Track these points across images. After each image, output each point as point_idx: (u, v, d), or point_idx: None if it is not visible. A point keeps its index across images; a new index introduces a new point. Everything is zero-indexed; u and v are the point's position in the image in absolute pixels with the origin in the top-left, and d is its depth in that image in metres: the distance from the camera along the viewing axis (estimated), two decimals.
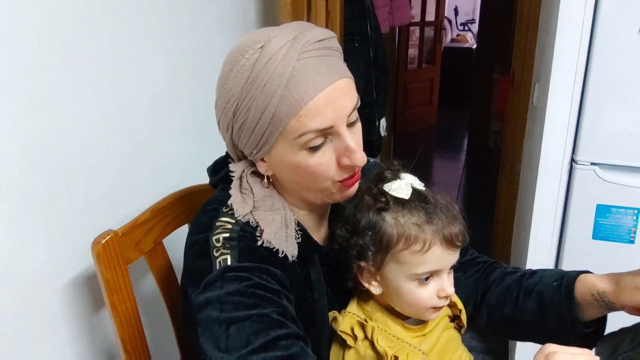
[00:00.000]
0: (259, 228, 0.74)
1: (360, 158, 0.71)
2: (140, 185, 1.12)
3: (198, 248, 0.74)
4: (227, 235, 0.73)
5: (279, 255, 0.74)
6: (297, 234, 0.77)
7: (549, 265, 1.64)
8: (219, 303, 0.68)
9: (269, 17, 1.70)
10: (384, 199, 0.76)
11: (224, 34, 1.48)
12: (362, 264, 0.78)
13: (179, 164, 1.26)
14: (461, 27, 6.88)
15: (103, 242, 0.85)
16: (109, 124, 1.02)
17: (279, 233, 0.74)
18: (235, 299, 0.67)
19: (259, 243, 0.73)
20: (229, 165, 0.79)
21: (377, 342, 0.77)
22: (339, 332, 0.80)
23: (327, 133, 0.69)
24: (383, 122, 2.56)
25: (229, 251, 0.71)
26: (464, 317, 0.86)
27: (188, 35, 1.30)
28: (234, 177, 0.77)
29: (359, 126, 0.74)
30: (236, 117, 0.70)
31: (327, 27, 1.78)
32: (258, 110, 0.67)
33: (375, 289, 0.80)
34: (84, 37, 0.94)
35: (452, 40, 6.54)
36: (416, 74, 4.97)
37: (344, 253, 0.80)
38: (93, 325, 1.02)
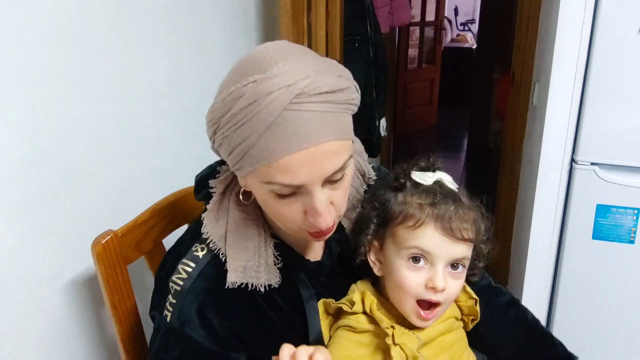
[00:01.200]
0: (225, 260, 0.72)
1: (325, 223, 0.65)
2: (140, 186, 1.12)
3: (161, 285, 0.78)
4: (178, 287, 0.73)
5: (248, 289, 0.72)
6: (277, 259, 0.74)
7: (549, 265, 1.64)
8: (155, 353, 0.74)
9: (269, 17, 1.70)
10: (402, 180, 0.78)
11: (224, 34, 1.48)
12: (369, 237, 0.79)
13: (178, 164, 1.26)
14: (461, 27, 6.87)
15: (103, 242, 0.85)
16: (109, 124, 1.03)
17: (250, 263, 0.72)
18: (164, 357, 0.73)
19: (226, 286, 0.72)
20: (210, 181, 0.76)
21: (374, 311, 0.76)
22: (333, 304, 0.79)
23: (297, 188, 0.63)
24: (383, 122, 2.56)
25: (172, 309, 0.73)
26: (476, 310, 0.83)
27: (188, 35, 1.30)
28: (213, 193, 0.75)
29: (344, 183, 0.68)
30: (215, 137, 0.66)
31: (326, 27, 1.78)
32: (233, 143, 0.62)
33: (378, 269, 0.79)
34: (84, 38, 0.94)
35: (452, 40, 6.54)
36: (416, 74, 4.97)
37: (357, 226, 0.81)
38: (93, 325, 1.02)
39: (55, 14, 0.88)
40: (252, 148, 0.61)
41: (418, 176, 0.78)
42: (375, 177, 0.88)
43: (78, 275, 0.97)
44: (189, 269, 0.74)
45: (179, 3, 1.24)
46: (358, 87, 0.68)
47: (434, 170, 0.81)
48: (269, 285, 0.74)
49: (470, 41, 6.34)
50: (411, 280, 0.74)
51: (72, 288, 0.96)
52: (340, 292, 0.82)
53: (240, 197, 0.73)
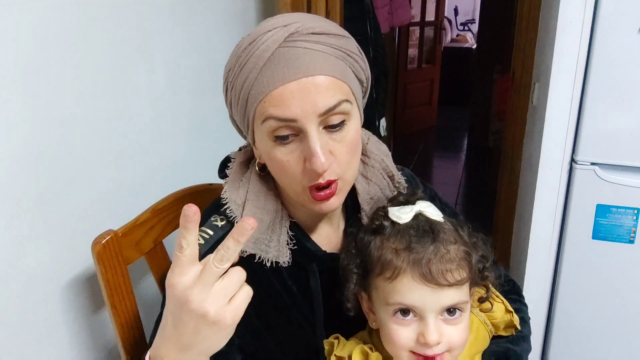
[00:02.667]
0: None
1: (319, 164, 0.64)
2: (140, 185, 1.12)
3: None
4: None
5: (263, 263, 0.72)
6: (290, 239, 0.75)
7: (549, 265, 1.64)
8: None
9: (269, 17, 1.70)
10: (378, 222, 0.71)
11: (223, 34, 1.48)
12: (354, 289, 0.72)
13: (179, 164, 1.26)
14: (461, 27, 6.87)
15: (103, 242, 0.85)
16: (109, 123, 1.03)
17: (263, 236, 0.73)
18: None
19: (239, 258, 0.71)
20: (230, 152, 0.79)
21: None
22: (332, 357, 0.74)
23: (294, 127, 0.65)
24: (383, 122, 2.56)
25: None
26: (514, 320, 0.78)
27: (188, 35, 1.30)
28: (232, 163, 0.78)
29: (346, 137, 0.68)
30: (227, 95, 0.71)
31: None
32: (237, 89, 0.67)
33: (372, 321, 0.73)
34: (83, 38, 0.94)
35: (452, 40, 6.54)
36: (416, 74, 4.97)
37: (340, 277, 0.74)
38: (93, 325, 1.02)
39: (54, 14, 0.88)
40: (252, 86, 0.65)
41: (394, 214, 0.70)
42: (405, 185, 0.85)
43: (78, 276, 0.97)
44: (207, 236, 0.74)
45: (178, 3, 1.24)
46: (364, 56, 0.71)
47: (413, 202, 0.72)
48: (276, 263, 0.74)
49: (470, 41, 6.34)
50: (401, 335, 0.67)
51: (72, 288, 0.96)
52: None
53: (256, 167, 0.75)
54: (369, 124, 2.42)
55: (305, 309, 0.78)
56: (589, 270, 1.58)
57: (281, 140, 0.66)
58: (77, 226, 0.95)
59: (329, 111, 0.65)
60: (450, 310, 0.67)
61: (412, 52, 4.89)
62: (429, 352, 0.66)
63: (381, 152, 0.85)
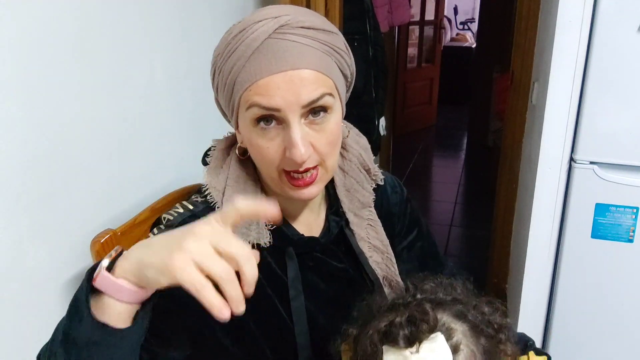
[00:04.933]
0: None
1: (299, 155, 0.66)
2: (139, 184, 1.12)
3: (154, 225, 0.80)
4: (171, 217, 0.76)
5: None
6: (269, 221, 0.75)
7: (548, 264, 1.64)
8: None
9: None
10: (370, 350, 0.59)
11: (222, 34, 1.48)
12: None
13: (177, 163, 1.26)
14: (461, 26, 6.87)
15: (102, 241, 0.85)
16: (107, 123, 1.02)
17: None
18: None
19: None
20: (212, 140, 0.80)
21: None
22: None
23: (276, 117, 0.67)
24: (382, 121, 2.56)
25: None
26: None
27: (186, 34, 1.30)
28: (213, 149, 0.79)
29: (327, 128, 0.70)
30: (215, 79, 0.72)
31: None
32: (225, 74, 0.69)
33: None
34: (82, 37, 0.94)
35: (452, 39, 6.54)
36: (416, 73, 4.97)
37: None
38: None
39: (54, 14, 0.88)
40: (239, 74, 0.67)
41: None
42: (382, 177, 0.88)
43: (77, 275, 0.97)
44: (183, 209, 0.77)
45: (177, 3, 1.24)
46: (350, 52, 0.74)
47: (412, 343, 0.55)
48: (258, 245, 0.75)
49: (470, 40, 6.34)
50: None
51: (71, 287, 0.96)
52: (333, 272, 0.83)
53: (237, 151, 0.77)
54: (369, 122, 2.41)
55: (284, 292, 0.79)
56: (588, 270, 1.58)
57: (263, 126, 0.68)
58: (76, 225, 0.95)
59: (312, 103, 0.67)
60: None
61: (412, 51, 4.89)
62: None
63: (360, 146, 0.87)
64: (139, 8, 1.10)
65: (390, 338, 0.57)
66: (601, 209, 1.51)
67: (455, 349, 0.56)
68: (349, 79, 0.77)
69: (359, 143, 0.88)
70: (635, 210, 1.48)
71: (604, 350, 1.64)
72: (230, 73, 0.68)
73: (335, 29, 0.72)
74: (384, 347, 0.57)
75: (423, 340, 0.55)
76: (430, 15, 4.96)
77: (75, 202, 0.95)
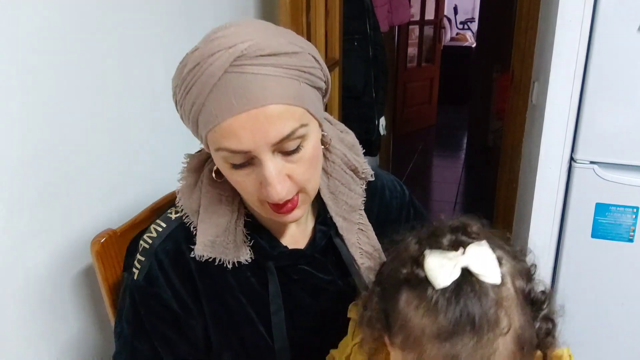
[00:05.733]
0: (196, 234, 0.73)
1: (277, 194, 0.63)
2: (139, 184, 1.12)
3: (131, 245, 0.83)
4: (147, 245, 0.75)
5: (215, 263, 0.73)
6: (246, 238, 0.74)
7: (548, 264, 1.64)
8: (119, 310, 0.78)
9: (268, 16, 1.70)
10: (408, 270, 0.56)
11: None
12: (377, 336, 0.62)
13: (178, 163, 1.26)
14: (460, 26, 6.86)
15: (102, 241, 0.85)
16: (107, 122, 1.02)
17: (220, 237, 0.72)
18: (128, 316, 0.76)
19: (192, 254, 0.73)
20: (184, 154, 0.78)
21: None
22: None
23: (248, 156, 0.63)
24: (382, 121, 2.56)
25: (139, 266, 0.75)
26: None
27: (187, 34, 1.30)
28: (184, 166, 0.77)
29: (303, 157, 0.65)
30: (177, 109, 0.69)
31: (326, 26, 1.78)
32: (186, 110, 0.64)
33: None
34: (83, 37, 0.94)
35: (452, 39, 6.54)
36: (415, 72, 4.97)
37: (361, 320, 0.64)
38: (92, 324, 1.02)
39: (52, 13, 0.88)
40: (201, 113, 0.61)
41: (431, 270, 0.53)
42: (372, 172, 0.83)
43: (77, 274, 0.97)
44: (160, 229, 0.76)
45: (177, 2, 1.24)
46: (321, 61, 0.66)
47: (457, 247, 0.54)
48: (239, 263, 0.73)
49: (470, 40, 6.34)
50: None
51: (71, 287, 0.96)
52: (320, 285, 0.80)
53: (213, 174, 0.72)
54: (369, 122, 2.41)
55: (265, 308, 0.77)
56: (589, 269, 1.58)
57: (235, 167, 0.65)
58: (76, 225, 0.95)
59: (283, 140, 0.62)
60: None
61: (412, 50, 4.89)
62: None
63: (344, 144, 0.82)
64: (139, 7, 1.10)
65: (433, 242, 0.56)
66: (601, 209, 1.51)
67: (499, 261, 0.55)
68: (325, 87, 0.70)
69: (344, 141, 0.82)
70: (635, 210, 1.48)
71: (604, 350, 1.64)
72: (191, 111, 0.63)
73: (299, 45, 0.63)
74: (426, 252, 0.55)
75: (468, 244, 0.54)
76: (430, 14, 4.96)
77: (75, 202, 0.95)
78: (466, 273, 0.53)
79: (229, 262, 0.73)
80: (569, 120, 1.49)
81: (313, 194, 0.71)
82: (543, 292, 0.59)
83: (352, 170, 0.81)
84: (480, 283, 0.52)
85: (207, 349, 0.78)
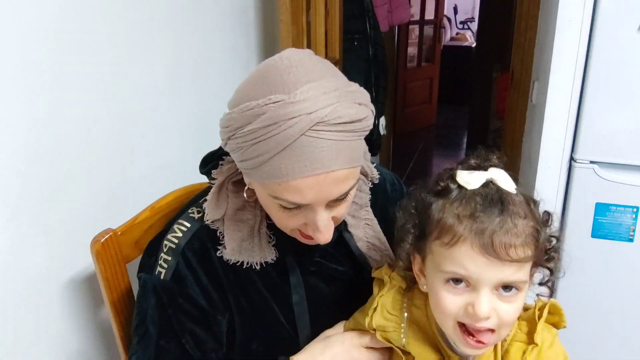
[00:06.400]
0: (224, 238, 0.76)
1: (323, 239, 0.69)
2: (139, 184, 1.12)
3: (152, 245, 0.82)
4: (173, 245, 0.77)
5: (252, 267, 0.77)
6: (270, 238, 0.78)
7: None
8: (140, 312, 0.77)
9: (268, 15, 1.70)
10: (444, 184, 0.66)
11: (223, 33, 1.48)
12: (408, 248, 0.70)
13: (178, 163, 1.26)
14: (460, 26, 6.86)
15: (102, 240, 0.85)
16: (108, 122, 1.02)
17: (245, 242, 0.76)
18: (154, 316, 0.76)
19: (218, 253, 0.76)
20: (212, 171, 0.78)
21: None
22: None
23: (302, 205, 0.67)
24: (382, 120, 2.56)
25: (166, 265, 0.77)
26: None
27: (187, 34, 1.30)
28: (213, 183, 0.78)
29: (348, 200, 0.71)
30: (229, 143, 0.67)
31: (325, 25, 1.78)
32: (246, 155, 0.64)
33: (422, 284, 0.71)
34: (83, 37, 0.94)
35: (452, 38, 6.53)
36: (415, 72, 4.96)
37: (396, 235, 0.72)
38: (92, 324, 1.02)
39: (54, 13, 0.88)
40: (265, 164, 0.63)
41: (462, 178, 0.65)
42: (378, 175, 0.89)
43: (77, 274, 0.97)
44: (184, 228, 0.78)
45: (177, 2, 1.24)
46: (374, 111, 0.69)
47: (485, 169, 0.66)
48: (265, 262, 0.78)
49: (470, 40, 6.33)
50: (449, 302, 0.64)
51: (71, 287, 0.96)
52: (335, 275, 0.85)
53: (245, 194, 0.74)
54: None
55: (286, 299, 0.81)
56: (588, 269, 1.58)
57: (285, 209, 0.68)
58: (76, 225, 0.95)
59: (341, 196, 0.67)
60: (506, 287, 0.63)
61: (412, 50, 4.88)
62: (477, 325, 0.62)
63: None
64: (140, 7, 1.10)
65: (462, 165, 0.68)
66: (601, 209, 1.51)
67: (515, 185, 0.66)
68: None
69: None
70: (635, 210, 1.48)
71: (604, 349, 1.64)
72: (253, 159, 0.63)
73: (366, 101, 0.67)
74: (457, 171, 0.67)
75: (490, 167, 0.67)
76: (430, 14, 4.95)
77: (75, 201, 0.95)
78: (490, 183, 0.65)
79: (257, 264, 0.77)
80: (569, 120, 1.49)
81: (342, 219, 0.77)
82: (548, 214, 0.71)
83: (364, 175, 0.87)
84: (502, 188, 0.65)
85: (229, 345, 0.81)
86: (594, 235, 1.54)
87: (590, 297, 1.60)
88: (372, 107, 0.69)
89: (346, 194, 0.68)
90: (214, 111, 1.42)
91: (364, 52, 2.34)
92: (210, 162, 0.81)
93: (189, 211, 0.80)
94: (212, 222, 0.77)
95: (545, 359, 0.71)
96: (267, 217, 0.78)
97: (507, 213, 0.62)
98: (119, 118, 1.05)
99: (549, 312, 0.73)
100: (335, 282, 0.85)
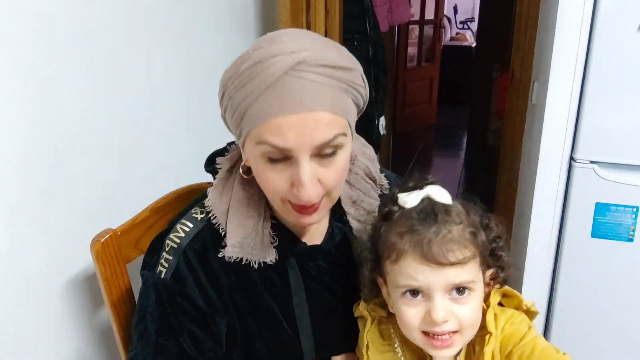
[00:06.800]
0: (225, 234, 0.76)
1: (306, 195, 0.67)
2: (139, 184, 1.12)
3: (155, 244, 0.81)
4: (175, 244, 0.77)
5: (242, 263, 0.76)
6: (273, 239, 0.78)
7: (548, 263, 1.64)
8: (141, 309, 0.77)
9: (268, 15, 1.70)
10: (387, 208, 0.73)
11: (222, 33, 1.48)
12: (368, 275, 0.75)
13: (177, 162, 1.26)
14: (460, 26, 6.86)
15: (102, 240, 0.85)
16: (107, 122, 1.02)
17: (248, 239, 0.76)
18: (153, 314, 0.76)
19: (219, 254, 0.76)
20: (217, 158, 0.81)
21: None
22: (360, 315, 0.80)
23: (286, 154, 0.66)
24: (382, 120, 2.56)
25: (167, 264, 0.77)
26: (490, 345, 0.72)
27: (187, 34, 1.30)
28: (219, 169, 0.79)
29: (336, 164, 0.70)
30: (223, 101, 0.70)
31: (325, 25, 1.78)
32: (235, 103, 0.67)
33: (390, 306, 0.75)
34: (83, 37, 0.94)
35: (452, 38, 6.53)
36: (415, 72, 4.96)
37: (358, 260, 0.78)
38: (92, 324, 1.02)
39: (52, 13, 0.88)
40: (251, 107, 0.65)
41: (402, 199, 0.72)
42: (387, 186, 0.89)
43: (77, 274, 0.97)
44: (187, 229, 0.78)
45: (177, 2, 1.24)
46: (366, 82, 0.72)
47: (421, 187, 0.73)
48: (264, 263, 0.77)
49: (470, 39, 6.33)
50: (410, 315, 0.69)
51: (71, 287, 0.96)
52: (336, 279, 0.85)
53: (240, 170, 0.76)
54: (369, 122, 2.41)
55: (287, 301, 0.81)
56: (588, 269, 1.58)
57: (272, 162, 0.68)
58: (76, 225, 0.95)
59: (324, 144, 0.66)
60: (460, 290, 0.67)
61: (412, 50, 4.89)
62: (438, 329, 0.67)
63: (366, 158, 0.88)
64: (139, 7, 1.10)
65: (400, 188, 0.74)
66: (601, 208, 1.51)
67: (455, 202, 0.72)
68: (362, 107, 0.76)
69: (365, 154, 0.89)
70: (635, 210, 1.48)
71: (604, 349, 1.64)
72: (240, 104, 0.66)
73: (353, 64, 0.69)
74: (398, 195, 0.73)
75: (425, 185, 0.73)
76: (430, 14, 4.95)
77: (75, 201, 0.95)
78: (426, 199, 0.71)
79: (255, 262, 0.76)
80: (569, 120, 1.49)
81: (334, 201, 0.76)
82: (489, 218, 0.75)
83: (373, 180, 0.88)
84: (438, 202, 0.71)
85: (231, 345, 0.81)
86: (594, 235, 1.54)
87: (590, 297, 1.60)
88: (361, 73, 0.71)
89: (332, 149, 0.67)
90: (213, 111, 1.42)
91: (363, 52, 2.34)
92: (215, 161, 0.82)
93: (192, 211, 0.80)
94: (215, 217, 0.77)
95: (510, 334, 0.73)
96: (272, 217, 0.79)
97: (441, 222, 0.67)
98: (118, 118, 1.05)
99: (506, 296, 0.77)
100: (336, 286, 0.85)
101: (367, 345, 0.77)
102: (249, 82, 0.64)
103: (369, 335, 0.78)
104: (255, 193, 0.78)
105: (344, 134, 0.68)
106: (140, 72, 1.12)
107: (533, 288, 1.68)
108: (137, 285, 0.93)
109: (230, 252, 0.75)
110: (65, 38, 0.90)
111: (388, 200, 0.75)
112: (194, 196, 1.02)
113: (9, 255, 0.83)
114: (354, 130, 0.74)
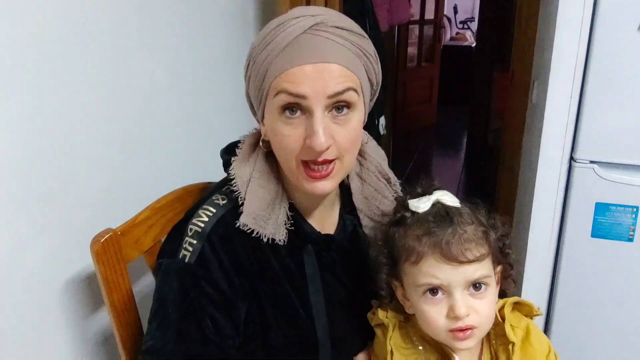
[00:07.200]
0: (243, 207, 0.77)
1: (319, 143, 0.70)
2: (139, 184, 1.12)
3: (176, 230, 0.82)
4: (199, 229, 0.78)
5: (262, 240, 0.77)
6: (287, 219, 0.80)
7: (548, 263, 1.64)
8: (160, 297, 0.77)
9: (268, 16, 1.70)
10: (400, 214, 0.78)
11: (222, 33, 1.48)
12: (385, 278, 0.79)
13: (178, 162, 1.26)
14: (460, 26, 6.86)
15: (102, 240, 0.85)
16: (107, 122, 1.03)
17: (262, 213, 0.77)
18: (175, 299, 0.76)
19: (237, 224, 0.77)
20: (240, 136, 0.84)
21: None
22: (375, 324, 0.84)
23: (302, 106, 0.71)
24: (382, 120, 2.56)
25: (191, 249, 0.77)
26: (516, 348, 0.78)
27: (187, 34, 1.30)
28: (241, 145, 0.82)
29: (349, 123, 0.74)
30: (248, 70, 0.75)
31: None
32: (258, 64, 0.72)
33: (408, 308, 0.80)
34: (83, 37, 0.94)
35: (452, 38, 6.53)
36: (415, 72, 4.97)
37: (373, 268, 0.82)
38: (92, 324, 1.02)
39: (54, 13, 0.88)
40: (272, 64, 0.71)
41: (413, 205, 0.77)
42: (400, 188, 0.91)
43: (77, 274, 0.97)
44: (210, 213, 0.79)
45: (178, 2, 1.24)
46: (378, 61, 0.77)
47: (430, 192, 0.79)
48: (277, 248, 0.79)
49: (470, 39, 6.33)
50: (433, 314, 0.74)
51: (71, 287, 0.96)
52: (348, 269, 0.87)
53: (261, 143, 0.80)
54: (369, 122, 2.41)
55: (303, 289, 0.83)
56: (588, 269, 1.58)
57: (288, 115, 0.72)
58: (76, 225, 0.95)
59: (337, 95, 0.71)
60: (476, 285, 0.73)
61: (412, 50, 4.89)
62: (461, 324, 0.72)
63: (378, 156, 0.91)
64: (139, 7, 1.10)
65: (410, 195, 0.80)
66: (601, 208, 1.51)
67: (462, 205, 0.77)
68: (374, 87, 0.80)
69: (378, 153, 0.92)
70: (635, 210, 1.48)
71: (604, 349, 1.64)
72: (263, 62, 0.72)
73: (366, 35, 0.75)
74: (409, 201, 0.78)
75: (434, 191, 0.78)
76: (430, 14, 4.96)
77: (75, 201, 0.95)
78: (436, 204, 0.76)
79: (265, 237, 0.77)
80: (569, 120, 1.49)
81: (347, 170, 0.79)
82: (494, 218, 0.79)
83: (386, 179, 0.90)
84: (448, 205, 0.76)
85: (245, 337, 0.82)
86: (593, 235, 1.54)
87: (590, 297, 1.60)
88: (373, 47, 0.76)
89: (345, 103, 0.72)
90: (214, 111, 1.42)
91: None
92: (233, 150, 0.84)
93: (214, 197, 0.82)
94: (236, 184, 0.78)
95: (530, 349, 0.79)
96: (289, 198, 0.82)
97: (456, 223, 0.73)
98: (118, 118, 1.05)
99: (519, 303, 0.82)
100: (348, 276, 0.88)
101: (392, 352, 0.80)
102: (271, 42, 0.71)
103: (392, 341, 0.81)
104: (275, 170, 0.81)
105: (356, 91, 0.73)
106: (141, 72, 1.12)
107: (533, 288, 1.68)
108: (137, 285, 0.94)
109: (244, 220, 0.76)
110: (66, 38, 0.90)
111: (399, 206, 0.80)
112: (193, 196, 1.03)
113: (9, 255, 0.83)
114: (366, 102, 0.78)
